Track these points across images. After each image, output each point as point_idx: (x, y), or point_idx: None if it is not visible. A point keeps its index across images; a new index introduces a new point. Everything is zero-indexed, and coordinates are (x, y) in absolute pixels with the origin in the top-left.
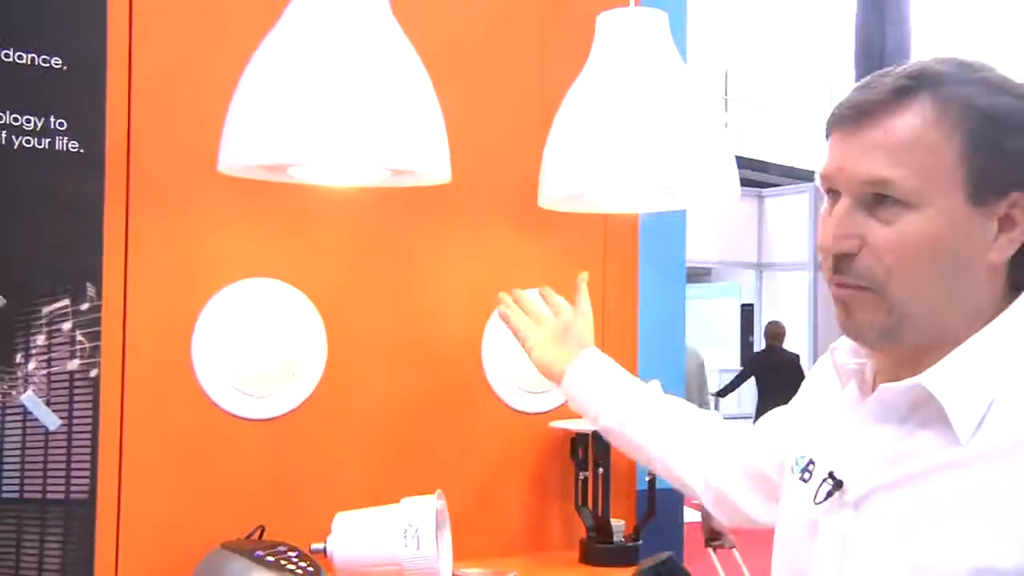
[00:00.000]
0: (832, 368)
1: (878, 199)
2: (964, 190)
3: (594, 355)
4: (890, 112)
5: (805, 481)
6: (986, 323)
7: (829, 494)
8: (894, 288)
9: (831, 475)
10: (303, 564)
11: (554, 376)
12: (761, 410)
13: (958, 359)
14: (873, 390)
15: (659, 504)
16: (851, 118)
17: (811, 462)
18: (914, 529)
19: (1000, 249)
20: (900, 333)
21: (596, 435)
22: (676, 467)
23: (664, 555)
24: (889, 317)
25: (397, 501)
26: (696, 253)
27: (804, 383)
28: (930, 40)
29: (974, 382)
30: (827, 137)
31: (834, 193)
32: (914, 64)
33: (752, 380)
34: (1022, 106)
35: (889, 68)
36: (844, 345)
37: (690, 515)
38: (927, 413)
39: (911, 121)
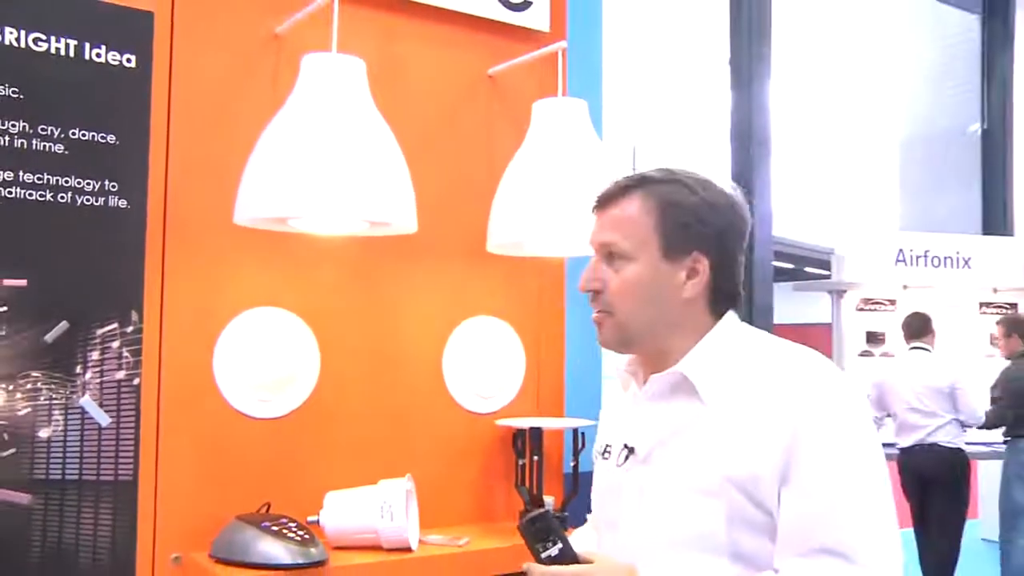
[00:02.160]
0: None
1: (610, 256)
2: (660, 250)
3: None
4: (617, 201)
5: (606, 458)
6: (703, 335)
7: (627, 458)
8: (621, 313)
9: (626, 445)
10: (301, 532)
11: None
12: None
13: (700, 352)
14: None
15: (581, 483)
16: (598, 205)
17: (608, 445)
18: (684, 465)
19: (689, 290)
20: (631, 342)
21: (533, 430)
22: None
23: (542, 510)
24: (620, 332)
25: (375, 483)
26: None
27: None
28: (784, 124)
29: (711, 367)
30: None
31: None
32: (638, 172)
33: None
34: (696, 200)
35: (624, 174)
36: (624, 361)
37: None
38: (683, 390)
39: (627, 206)
